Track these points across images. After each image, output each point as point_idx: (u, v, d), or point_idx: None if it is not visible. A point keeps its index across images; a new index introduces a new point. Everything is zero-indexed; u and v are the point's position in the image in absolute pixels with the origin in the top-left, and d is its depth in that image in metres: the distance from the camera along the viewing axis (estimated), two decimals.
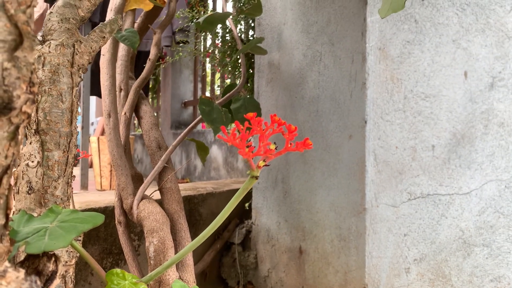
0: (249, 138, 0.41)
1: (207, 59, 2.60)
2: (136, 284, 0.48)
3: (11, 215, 0.38)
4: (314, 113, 1.30)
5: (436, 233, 1.20)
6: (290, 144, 0.43)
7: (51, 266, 0.43)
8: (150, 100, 4.58)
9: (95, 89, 2.89)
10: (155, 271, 0.50)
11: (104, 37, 0.72)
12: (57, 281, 0.42)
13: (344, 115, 1.20)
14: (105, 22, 0.73)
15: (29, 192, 0.61)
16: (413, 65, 1.18)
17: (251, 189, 1.63)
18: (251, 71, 1.89)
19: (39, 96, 0.63)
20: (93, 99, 6.36)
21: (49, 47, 0.64)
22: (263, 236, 1.54)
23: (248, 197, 1.74)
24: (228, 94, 1.30)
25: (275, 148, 0.43)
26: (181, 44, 2.78)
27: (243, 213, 1.78)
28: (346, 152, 1.19)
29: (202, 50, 2.83)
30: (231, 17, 2.29)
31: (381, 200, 1.14)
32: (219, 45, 2.30)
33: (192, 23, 2.17)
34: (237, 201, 0.45)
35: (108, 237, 1.28)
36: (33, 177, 0.62)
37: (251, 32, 2.19)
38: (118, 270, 0.48)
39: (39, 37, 0.69)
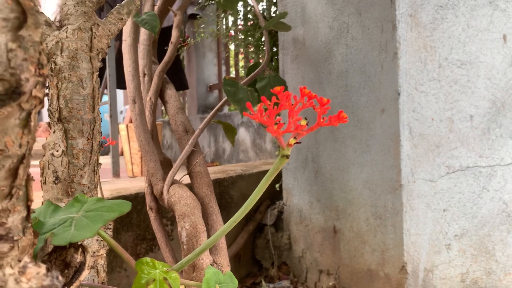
0: (276, 114, 0.38)
1: (230, 40, 2.56)
2: (167, 273, 0.46)
3: (32, 207, 0.36)
4: (343, 88, 1.25)
5: (478, 207, 1.14)
6: (323, 118, 0.40)
7: (79, 257, 0.41)
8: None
9: (120, 82, 2.92)
10: (186, 258, 0.48)
11: (122, 18, 0.69)
12: (86, 273, 0.41)
13: (375, 88, 1.14)
14: (122, 3, 0.70)
15: (56, 182, 0.60)
16: (447, 31, 1.11)
17: (281, 170, 1.60)
18: (275, 49, 1.84)
19: (60, 83, 0.61)
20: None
21: (66, 32, 0.62)
22: (296, 217, 1.52)
23: (278, 178, 1.71)
24: (252, 74, 1.26)
25: (307, 124, 0.39)
26: (198, 17, 2.74)
27: (274, 194, 1.76)
28: (378, 127, 1.14)
29: (224, 30, 2.78)
30: None
31: (418, 175, 1.09)
32: (241, 25, 2.25)
33: (212, 2, 2.12)
34: (268, 182, 0.42)
35: (141, 223, 1.28)
36: (59, 167, 0.60)
37: (273, 9, 2.13)
38: (148, 258, 0.46)
39: (57, 23, 0.67)
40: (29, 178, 0.35)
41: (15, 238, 0.33)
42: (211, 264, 0.95)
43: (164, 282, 0.45)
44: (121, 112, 6.28)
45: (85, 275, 0.41)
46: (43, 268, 0.27)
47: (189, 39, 2.86)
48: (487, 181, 1.15)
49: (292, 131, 0.38)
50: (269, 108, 0.37)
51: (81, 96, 0.62)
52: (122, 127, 3.07)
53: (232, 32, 2.61)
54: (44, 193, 0.62)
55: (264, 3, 2.22)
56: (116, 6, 0.70)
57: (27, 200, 0.36)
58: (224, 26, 2.92)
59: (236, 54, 3.41)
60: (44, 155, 0.62)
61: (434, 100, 1.10)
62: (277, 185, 1.75)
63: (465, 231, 1.13)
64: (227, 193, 1.60)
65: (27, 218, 0.36)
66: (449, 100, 1.11)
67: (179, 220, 0.97)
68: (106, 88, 3.36)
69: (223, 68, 3.76)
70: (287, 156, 0.40)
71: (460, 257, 1.12)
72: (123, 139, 3.08)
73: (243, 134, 2.99)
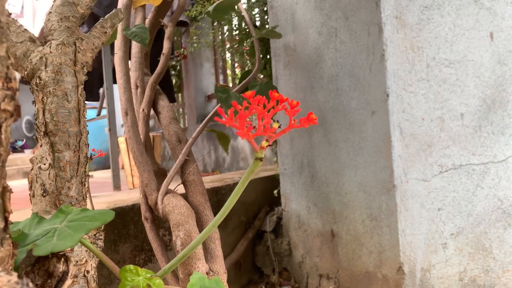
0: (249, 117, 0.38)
1: (226, 49, 2.58)
2: (151, 279, 0.47)
3: (10, 218, 0.37)
4: (334, 92, 1.26)
5: (473, 205, 1.14)
6: (294, 120, 0.40)
7: (61, 267, 0.42)
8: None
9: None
10: (169, 264, 0.48)
11: (106, 32, 0.70)
12: (68, 282, 0.41)
13: (365, 91, 1.15)
14: (105, 17, 0.72)
15: (44, 194, 0.61)
16: (433, 31, 1.12)
17: (279, 176, 1.61)
18: (268, 56, 1.86)
19: (45, 97, 0.62)
20: (118, 101, 6.41)
21: (50, 47, 0.64)
22: (294, 222, 1.52)
23: (276, 184, 1.72)
24: (244, 81, 1.27)
25: (279, 127, 0.40)
26: (182, 25, 2.75)
27: (272, 200, 1.76)
28: (370, 129, 1.14)
29: (219, 41, 2.81)
30: (244, 3, 2.26)
31: (410, 175, 1.09)
32: (235, 34, 2.27)
33: (205, 15, 2.14)
34: (244, 185, 0.42)
35: (139, 234, 1.29)
36: (46, 180, 0.61)
37: (266, 17, 2.14)
38: (131, 266, 0.47)
39: (42, 39, 0.68)
40: (5, 190, 0.36)
41: None
42: (207, 272, 0.96)
43: None
44: (122, 125, 6.29)
45: (67, 284, 0.41)
46: (14, 276, 0.28)
47: (183, 50, 2.88)
48: (480, 178, 1.15)
49: (262, 133, 0.38)
50: (240, 112, 0.38)
51: (66, 109, 0.63)
52: (121, 140, 3.08)
53: (227, 41, 2.63)
54: (33, 206, 0.62)
55: (256, 12, 2.24)
56: (100, 20, 0.71)
57: (4, 211, 0.36)
58: (220, 37, 2.94)
59: (232, 64, 3.43)
60: (32, 169, 0.63)
61: (423, 100, 1.11)
62: (275, 191, 1.75)
63: (461, 230, 1.13)
64: (225, 201, 1.60)
65: (5, 229, 0.36)
66: (438, 99, 1.12)
67: (174, 229, 0.98)
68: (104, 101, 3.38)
69: (221, 77, 3.78)
70: (261, 159, 0.41)
71: (457, 256, 1.12)
72: (122, 152, 3.10)
73: (242, 142, 3.00)
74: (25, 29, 0.66)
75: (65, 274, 0.42)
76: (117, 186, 2.76)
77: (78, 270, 0.46)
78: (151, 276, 0.47)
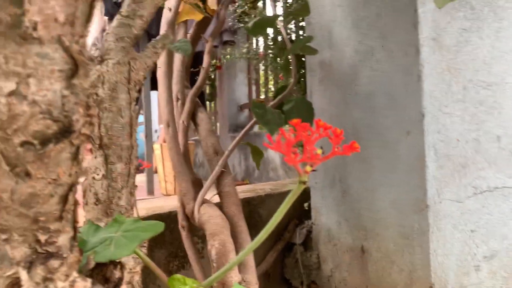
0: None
1: (260, 62, 2.63)
2: None
3: (78, 228, 0.41)
4: (369, 110, 1.28)
5: (508, 228, 1.13)
6: (337, 148, 0.43)
7: (117, 273, 0.46)
8: (207, 105, 4.68)
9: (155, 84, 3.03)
10: (215, 275, 0.51)
11: (157, 52, 0.75)
12: (123, 287, 0.45)
13: (401, 110, 1.17)
14: (157, 38, 0.77)
15: (96, 203, 0.65)
16: (471, 54, 1.13)
17: (309, 189, 1.63)
18: (303, 71, 1.89)
19: (101, 112, 0.67)
20: (154, 108, 6.57)
21: (107, 66, 0.69)
22: (324, 236, 1.53)
23: (307, 197, 1.74)
24: (279, 96, 1.31)
25: (322, 153, 0.43)
26: (229, 44, 2.83)
27: (302, 213, 1.78)
28: (404, 148, 1.16)
29: (253, 53, 2.86)
30: (281, 18, 2.30)
31: (444, 195, 1.10)
32: (270, 47, 2.31)
33: (242, 26, 2.20)
34: (287, 207, 0.45)
35: (174, 241, 1.34)
36: (99, 189, 0.66)
37: (301, 32, 2.18)
38: (179, 275, 0.51)
39: (98, 58, 0.74)
40: (76, 203, 0.40)
41: (64, 255, 0.38)
42: (239, 282, 0.99)
43: None
44: (156, 131, 6.43)
45: None
46: (89, 282, 0.32)
47: (218, 61, 2.95)
48: None
49: (308, 160, 0.41)
50: (287, 139, 0.41)
51: (120, 124, 0.67)
52: (156, 146, 3.16)
53: (261, 53, 2.68)
54: (86, 214, 0.67)
55: (293, 26, 2.28)
56: (152, 41, 0.76)
57: (74, 221, 0.41)
58: (254, 48, 3.00)
59: (266, 77, 3.48)
60: (86, 179, 0.68)
61: (459, 121, 1.11)
62: (305, 204, 1.77)
63: (495, 253, 1.12)
64: (256, 212, 1.64)
65: (74, 237, 0.41)
66: (474, 121, 1.12)
67: (209, 239, 1.02)
68: (141, 108, 3.49)
69: (254, 88, 3.83)
70: (304, 183, 0.44)
71: (490, 279, 1.11)
72: (157, 158, 3.18)
73: (272, 153, 3.03)
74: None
75: (120, 280, 0.46)
76: (150, 191, 2.84)
77: (131, 277, 0.50)
78: (197, 286, 0.50)
